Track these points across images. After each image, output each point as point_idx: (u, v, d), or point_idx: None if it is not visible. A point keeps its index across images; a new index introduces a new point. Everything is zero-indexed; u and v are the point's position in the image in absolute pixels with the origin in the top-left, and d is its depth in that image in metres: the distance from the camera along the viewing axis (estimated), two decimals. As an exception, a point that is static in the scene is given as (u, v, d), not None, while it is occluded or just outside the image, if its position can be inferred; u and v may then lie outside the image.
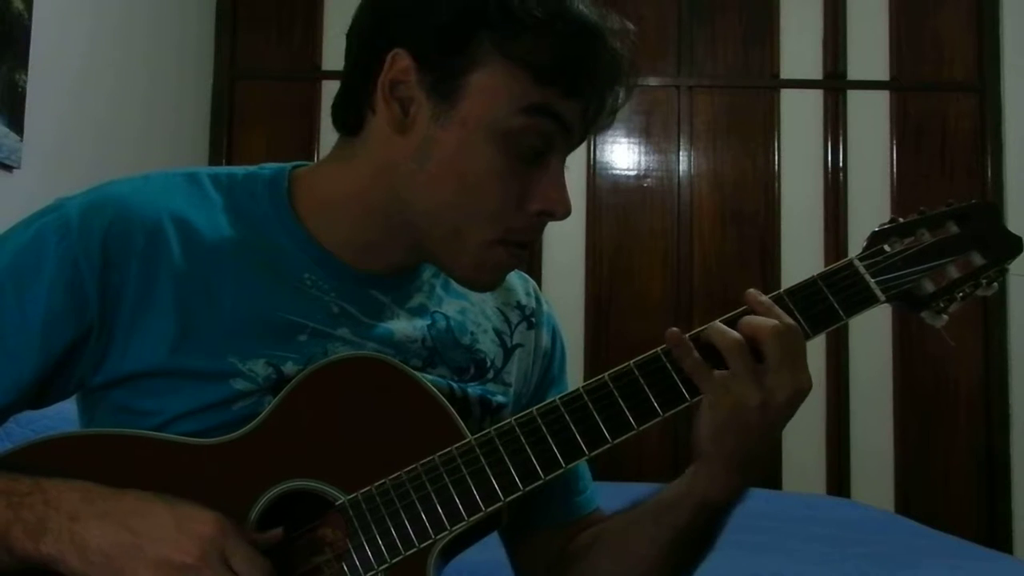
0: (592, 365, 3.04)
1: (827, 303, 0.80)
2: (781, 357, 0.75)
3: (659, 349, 0.78)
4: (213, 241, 0.81)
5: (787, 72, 3.19)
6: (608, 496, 1.00)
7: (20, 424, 1.16)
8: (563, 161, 0.81)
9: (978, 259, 0.82)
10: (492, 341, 0.93)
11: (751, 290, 0.79)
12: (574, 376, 1.03)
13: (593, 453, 0.77)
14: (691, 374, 0.76)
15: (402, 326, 0.86)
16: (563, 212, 0.80)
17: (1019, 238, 0.83)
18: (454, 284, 0.92)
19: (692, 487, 0.81)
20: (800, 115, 3.17)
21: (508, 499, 0.75)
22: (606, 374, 0.78)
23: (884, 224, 0.84)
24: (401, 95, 0.78)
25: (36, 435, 0.77)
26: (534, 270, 3.06)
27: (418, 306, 0.89)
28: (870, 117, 3.16)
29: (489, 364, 0.91)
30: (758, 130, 3.18)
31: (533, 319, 0.97)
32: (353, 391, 0.78)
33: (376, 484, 0.75)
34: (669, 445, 2.96)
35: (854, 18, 3.18)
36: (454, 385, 0.87)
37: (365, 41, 0.81)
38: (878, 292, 0.81)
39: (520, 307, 0.97)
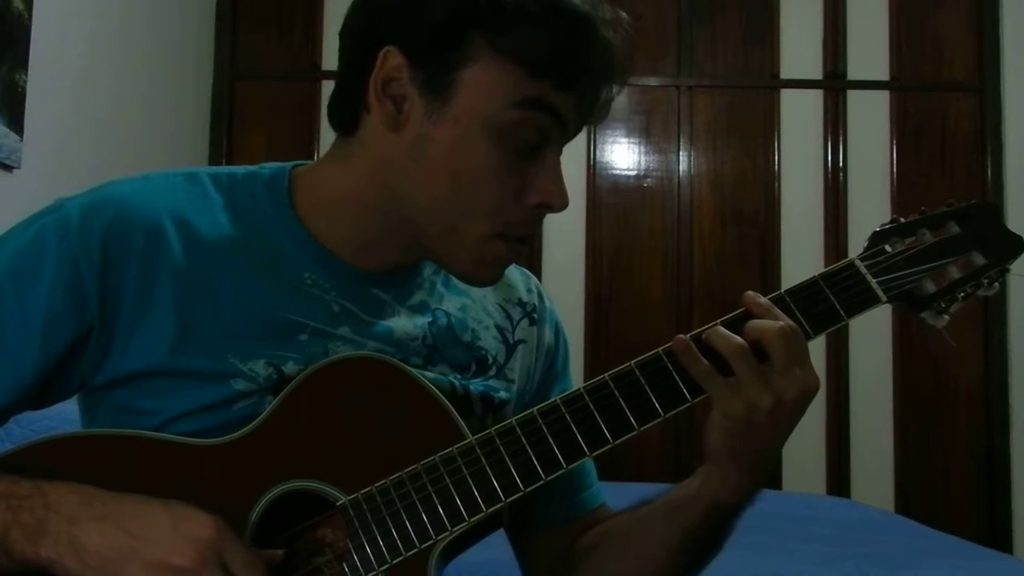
0: (592, 365, 3.04)
1: (828, 303, 0.80)
2: (788, 358, 0.75)
3: (660, 349, 0.78)
4: (213, 241, 0.81)
5: (787, 72, 3.19)
6: (609, 496, 1.00)
7: (20, 424, 1.15)
8: (559, 153, 0.81)
9: (979, 259, 0.82)
10: (494, 338, 0.93)
11: (749, 292, 0.79)
12: (574, 376, 1.03)
13: (594, 453, 0.77)
14: (700, 381, 0.76)
15: (403, 324, 0.86)
16: (561, 204, 0.80)
17: (1020, 238, 0.83)
18: (455, 281, 0.92)
19: (703, 489, 0.81)
20: (800, 115, 3.17)
21: (509, 499, 0.75)
22: (607, 374, 0.78)
23: (885, 224, 0.84)
24: (394, 93, 0.78)
25: (36, 435, 0.77)
26: (534, 270, 3.06)
27: (419, 303, 0.89)
28: (870, 117, 3.16)
29: (491, 361, 0.91)
30: (758, 130, 3.18)
31: (535, 315, 0.97)
32: (354, 391, 0.78)
33: (377, 484, 0.75)
34: (670, 445, 2.96)
35: (854, 18, 3.18)
36: (455, 382, 0.86)
37: (357, 40, 0.81)
38: (879, 292, 0.81)
39: (522, 303, 0.97)
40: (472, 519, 0.75)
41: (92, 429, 0.82)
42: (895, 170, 3.14)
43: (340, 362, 0.79)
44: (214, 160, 3.11)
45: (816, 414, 3.01)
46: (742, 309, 0.79)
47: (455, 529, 0.74)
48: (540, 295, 1.00)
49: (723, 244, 3.15)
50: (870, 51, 3.18)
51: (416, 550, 0.74)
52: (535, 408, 0.78)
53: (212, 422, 0.77)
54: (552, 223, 3.14)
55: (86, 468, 0.74)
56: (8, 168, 1.94)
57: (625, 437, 0.77)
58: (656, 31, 3.20)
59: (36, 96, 2.01)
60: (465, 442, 0.76)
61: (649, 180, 3.18)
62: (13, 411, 0.79)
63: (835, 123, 3.16)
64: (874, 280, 0.81)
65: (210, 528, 0.69)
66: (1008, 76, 3.13)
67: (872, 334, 3.05)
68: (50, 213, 0.79)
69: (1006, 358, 3.06)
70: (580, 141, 3.23)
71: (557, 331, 1.00)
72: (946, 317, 0.82)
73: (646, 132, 3.20)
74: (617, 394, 0.77)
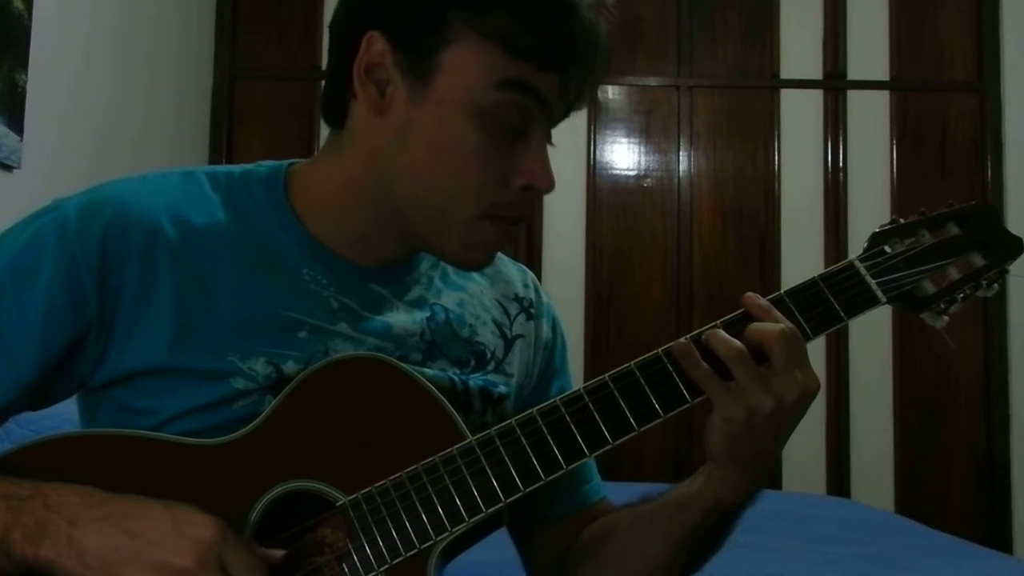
0: (592, 365, 3.04)
1: (828, 304, 0.80)
2: (788, 361, 0.75)
3: (660, 350, 0.78)
4: (211, 239, 0.81)
5: (787, 72, 3.19)
6: (609, 496, 1.00)
7: (20, 424, 1.16)
8: (545, 136, 0.81)
9: (978, 260, 0.82)
10: (492, 332, 0.93)
11: (749, 293, 0.79)
12: (574, 376, 1.03)
13: (594, 454, 0.77)
14: (700, 385, 0.76)
15: (401, 319, 0.86)
16: (547, 186, 0.80)
17: (1019, 239, 0.83)
18: (452, 276, 0.92)
19: (703, 490, 0.81)
20: (800, 115, 3.17)
21: (509, 500, 0.75)
22: (607, 375, 0.78)
23: (885, 225, 0.84)
24: (378, 78, 0.78)
25: (36, 435, 0.77)
26: (535, 270, 3.05)
27: (417, 298, 0.89)
28: (870, 117, 3.16)
29: (489, 355, 0.91)
30: (758, 130, 3.18)
31: (532, 310, 0.98)
32: (353, 391, 0.78)
33: (377, 485, 0.75)
34: (670, 446, 2.96)
35: (854, 18, 3.18)
36: (455, 378, 0.87)
37: (343, 29, 0.81)
38: (879, 293, 0.81)
39: (518, 299, 0.97)
40: (472, 519, 0.75)
41: (92, 429, 0.82)
42: (895, 170, 3.14)
43: (340, 362, 0.79)
44: (214, 160, 3.11)
45: (816, 414, 3.01)
46: (741, 310, 0.78)
47: (455, 529, 0.74)
48: (537, 290, 1.00)
49: (723, 244, 3.15)
50: (870, 51, 3.18)
51: (416, 550, 0.74)
52: (535, 408, 0.78)
53: (211, 421, 0.77)
54: (552, 223, 3.14)
55: (86, 468, 0.74)
56: (8, 168, 1.94)
57: (625, 438, 0.77)
58: (656, 31, 3.20)
59: (36, 96, 2.01)
60: (465, 443, 0.76)
61: (649, 180, 3.18)
62: (12, 411, 0.79)
63: (835, 123, 3.16)
64: (873, 281, 0.81)
65: (211, 529, 0.69)
66: (1008, 76, 3.13)
67: (872, 335, 3.05)
68: (47, 213, 0.79)
69: (1006, 358, 3.06)
70: (580, 141, 3.25)
71: (554, 326, 1.00)
72: (945, 318, 0.82)
73: (646, 132, 3.20)
74: (617, 395, 0.77)
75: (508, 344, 0.94)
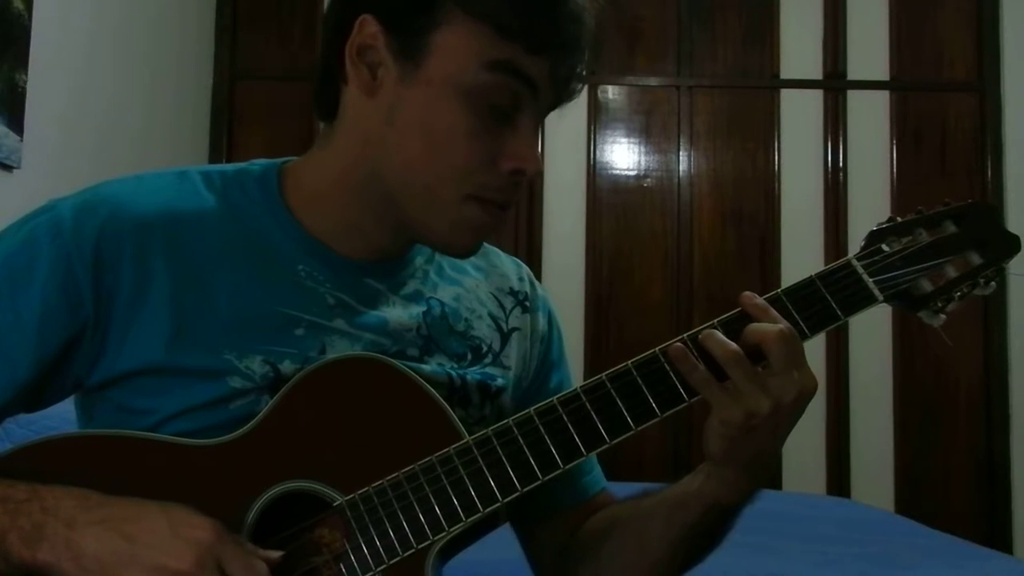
0: (592, 365, 3.04)
1: (825, 303, 0.80)
2: (786, 362, 0.75)
3: (657, 349, 0.78)
4: (206, 238, 0.81)
5: (787, 72, 3.19)
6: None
7: (20, 424, 1.16)
8: (534, 121, 0.81)
9: (976, 258, 0.82)
10: (488, 326, 0.93)
11: (746, 292, 0.79)
12: (574, 375, 1.03)
13: (591, 453, 0.77)
14: (698, 389, 0.76)
15: (397, 314, 0.86)
16: (533, 170, 0.80)
17: (1017, 237, 0.83)
18: (448, 270, 0.92)
19: (702, 489, 0.81)
20: (800, 115, 3.17)
21: (506, 500, 0.75)
22: (604, 374, 0.78)
23: (882, 224, 0.83)
24: (370, 60, 0.79)
25: (35, 435, 0.77)
26: (534, 270, 3.05)
27: (413, 293, 0.89)
28: (870, 117, 3.16)
29: (486, 349, 0.91)
30: (758, 130, 3.18)
31: (527, 303, 0.98)
32: (350, 392, 0.78)
33: (374, 485, 0.75)
34: (669, 446, 2.96)
35: (854, 18, 3.18)
36: (452, 373, 0.87)
37: (336, 14, 0.82)
38: (876, 292, 0.81)
39: (514, 292, 0.97)
40: (469, 520, 0.75)
41: (89, 430, 0.82)
42: (895, 170, 3.14)
43: (337, 362, 0.79)
44: (214, 160, 3.12)
45: (816, 414, 3.01)
46: (738, 309, 0.78)
47: (452, 529, 0.74)
48: (532, 283, 1.00)
49: (723, 244, 3.15)
50: (870, 51, 3.18)
51: (413, 551, 0.74)
52: (532, 408, 0.78)
53: (208, 421, 0.77)
54: (552, 223, 3.15)
55: (83, 469, 0.74)
56: (8, 168, 1.94)
57: (622, 437, 0.77)
58: (656, 31, 3.20)
59: (36, 96, 2.01)
60: (462, 442, 0.76)
61: (649, 180, 3.18)
62: (8, 412, 0.79)
63: (835, 123, 3.16)
64: (871, 279, 0.81)
65: (208, 531, 0.69)
66: (1008, 76, 3.13)
67: (872, 334, 3.05)
68: (42, 214, 0.79)
69: (1006, 358, 3.06)
70: (580, 141, 3.26)
71: (550, 318, 1.01)
72: (943, 316, 0.82)
73: (646, 132, 3.20)
74: (614, 394, 0.77)
75: (504, 337, 0.94)
